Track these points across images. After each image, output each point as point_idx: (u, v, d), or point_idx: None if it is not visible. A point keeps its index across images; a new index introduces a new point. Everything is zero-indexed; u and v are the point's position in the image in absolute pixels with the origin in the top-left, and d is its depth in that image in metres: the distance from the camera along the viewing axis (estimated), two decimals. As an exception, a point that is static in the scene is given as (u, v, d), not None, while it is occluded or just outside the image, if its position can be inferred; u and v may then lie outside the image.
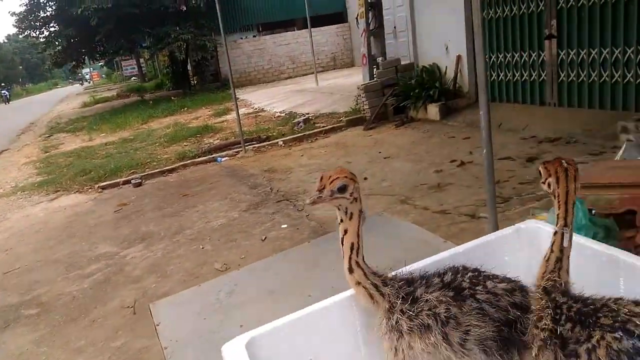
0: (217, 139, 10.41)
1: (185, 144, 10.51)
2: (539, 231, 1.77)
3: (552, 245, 1.42)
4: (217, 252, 4.73)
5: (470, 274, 1.53)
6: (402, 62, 9.88)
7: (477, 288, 1.47)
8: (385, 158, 6.94)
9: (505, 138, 6.72)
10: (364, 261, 1.55)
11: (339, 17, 21.72)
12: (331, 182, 1.50)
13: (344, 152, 7.81)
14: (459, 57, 8.74)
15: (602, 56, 6.53)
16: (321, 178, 1.52)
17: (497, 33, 8.06)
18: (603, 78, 6.59)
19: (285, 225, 5.14)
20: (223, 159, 8.58)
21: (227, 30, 9.05)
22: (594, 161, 4.79)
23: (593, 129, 6.19)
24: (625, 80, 6.30)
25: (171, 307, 3.21)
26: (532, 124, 7.00)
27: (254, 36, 22.01)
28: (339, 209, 1.54)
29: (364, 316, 1.62)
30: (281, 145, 9.01)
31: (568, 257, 1.40)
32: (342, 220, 1.55)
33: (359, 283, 1.53)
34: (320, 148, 8.38)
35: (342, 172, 1.52)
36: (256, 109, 13.59)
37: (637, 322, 1.15)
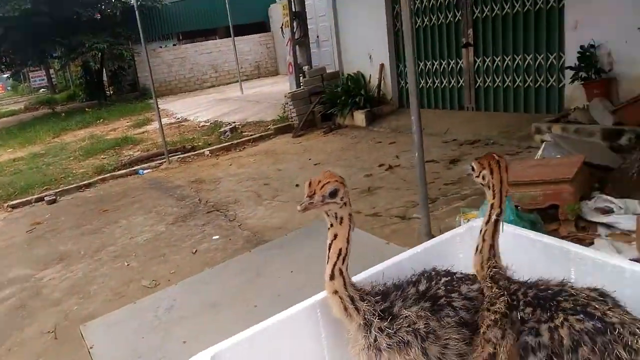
0: (138, 150, 9.95)
1: (102, 157, 9.95)
2: None
3: (483, 235, 1.48)
4: (144, 269, 4.48)
5: (443, 279, 1.52)
6: (328, 71, 10.00)
7: (452, 295, 1.47)
8: (315, 164, 6.93)
9: (428, 142, 6.89)
10: (347, 271, 1.49)
11: (261, 26, 21.64)
12: (321, 187, 1.44)
13: (273, 159, 7.73)
14: (382, 66, 8.96)
15: (515, 63, 6.95)
16: (310, 183, 1.46)
17: (418, 42, 8.35)
18: (516, 83, 7.01)
19: (217, 237, 4.97)
20: (145, 171, 8.21)
21: (146, 39, 8.71)
22: (513, 161, 5.03)
23: (509, 131, 6.54)
24: (537, 85, 6.73)
25: (105, 327, 2.99)
26: (452, 128, 7.29)
27: (174, 45, 21.41)
28: (327, 215, 1.49)
29: (328, 324, 1.57)
30: (208, 155, 8.77)
31: (498, 244, 1.47)
32: (332, 225, 1.49)
33: (336, 292, 1.47)
34: (249, 157, 8.24)
35: (332, 177, 1.47)
36: (179, 118, 13.17)
37: (596, 305, 1.21)
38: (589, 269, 1.49)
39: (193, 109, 14.05)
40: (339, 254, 1.47)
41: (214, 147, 9.01)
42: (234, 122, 10.76)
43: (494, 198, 1.51)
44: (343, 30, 9.85)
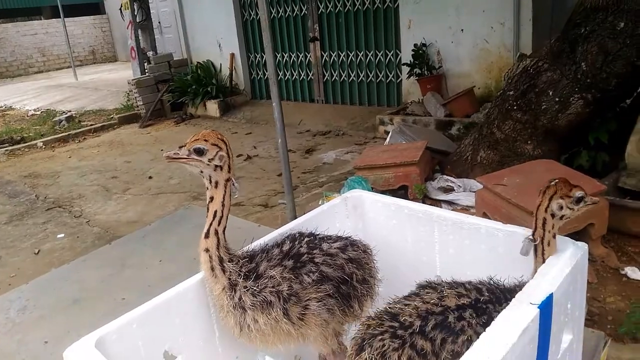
0: (-49, 143, 8.57)
1: None
2: (361, 198, 1.99)
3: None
4: (-23, 275, 3.94)
5: (306, 239, 1.62)
6: (176, 58, 9.63)
7: (314, 252, 1.58)
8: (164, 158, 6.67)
9: (283, 132, 7.13)
10: (224, 233, 1.52)
11: (94, 8, 19.93)
12: (192, 141, 1.45)
13: (121, 150, 7.26)
14: (232, 55, 8.92)
15: (358, 58, 7.46)
16: (193, 136, 1.48)
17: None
18: (360, 78, 7.52)
19: (62, 235, 4.56)
20: (-36, 166, 7.13)
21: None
22: (366, 147, 5.43)
23: (356, 122, 7.03)
24: (378, 80, 7.31)
25: None
26: (305, 119, 7.59)
27: (-11, 23, 18.71)
28: (202, 175, 1.50)
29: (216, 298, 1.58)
30: (42, 146, 7.90)
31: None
32: (208, 188, 1.51)
33: (207, 250, 1.50)
34: (91, 148, 7.62)
35: (208, 136, 1.47)
36: (1, 106, 11.61)
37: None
38: (449, 228, 1.73)
39: (19, 96, 12.49)
40: (215, 215, 1.51)
41: (49, 138, 8.15)
42: (70, 111, 9.83)
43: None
44: (188, 16, 9.57)
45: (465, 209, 3.32)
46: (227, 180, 1.52)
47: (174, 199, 5.12)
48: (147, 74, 9.21)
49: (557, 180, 1.46)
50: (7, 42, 17.54)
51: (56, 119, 9.26)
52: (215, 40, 9.14)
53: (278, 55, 8.39)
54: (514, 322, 1.17)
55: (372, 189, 3.41)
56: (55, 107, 10.61)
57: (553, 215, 1.44)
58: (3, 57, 17.53)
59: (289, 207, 3.66)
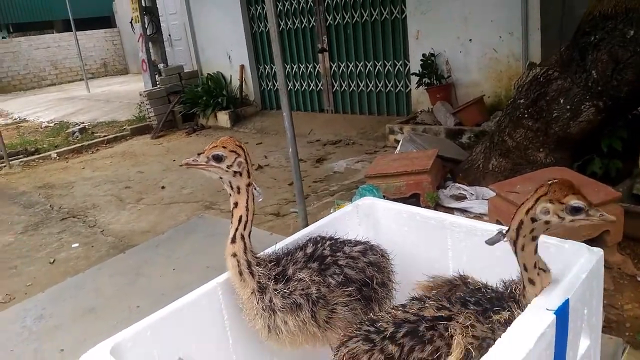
0: (-32, 155, 8.71)
1: None
2: (373, 205, 2.01)
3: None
4: (-6, 284, 4.00)
5: (328, 242, 1.66)
6: (186, 70, 9.75)
7: (337, 254, 1.60)
8: (181, 165, 6.74)
9: (293, 142, 7.19)
10: (249, 237, 1.55)
11: (106, 21, 20.24)
12: (210, 148, 1.49)
13: (133, 161, 7.34)
14: (242, 67, 9.01)
15: (367, 69, 7.51)
16: (211, 144, 1.52)
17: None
18: (369, 88, 7.58)
19: (77, 245, 4.62)
20: (-20, 178, 7.24)
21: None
22: (373, 158, 5.46)
23: (366, 132, 7.07)
24: (387, 90, 7.36)
25: None
26: (315, 129, 7.64)
27: (3, 37, 19.03)
28: (222, 182, 1.53)
29: (230, 306, 1.61)
30: (56, 157, 8.01)
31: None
32: (231, 194, 1.54)
33: (234, 255, 1.52)
34: (104, 159, 7.71)
35: (227, 143, 1.51)
36: (16, 119, 11.79)
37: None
38: (462, 235, 1.74)
39: (32, 109, 12.67)
40: (240, 220, 1.54)
41: (63, 150, 8.26)
42: (83, 122, 9.96)
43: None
44: (199, 28, 9.69)
45: (478, 217, 3.33)
46: (248, 185, 1.55)
47: (186, 208, 5.17)
48: (158, 86, 9.33)
49: (555, 180, 1.25)
50: (21, 55, 17.83)
51: (69, 130, 9.39)
52: (225, 52, 9.25)
53: (287, 66, 8.46)
54: (531, 328, 1.17)
55: (384, 197, 3.43)
56: (68, 118, 10.76)
57: (534, 220, 1.25)
58: (16, 71, 17.82)
59: (300, 215, 3.69)
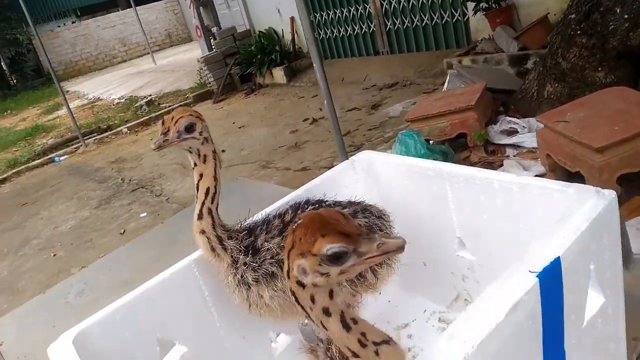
0: (51, 137, 9.38)
1: (15, 149, 9.32)
2: (371, 160, 1.86)
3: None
4: (72, 257, 4.30)
5: (311, 207, 1.53)
6: (239, 30, 9.69)
7: None
8: (240, 127, 6.81)
9: (349, 90, 6.98)
10: (217, 211, 1.48)
11: (165, -8, 20.58)
12: (175, 122, 1.38)
13: (195, 128, 7.51)
14: (292, 19, 8.79)
15: (420, 1, 7.01)
16: (163, 122, 1.40)
17: (324, -10, 8.23)
18: (424, 22, 7.09)
19: (145, 214, 4.84)
20: (62, 158, 7.77)
21: (40, 19, 8.07)
22: (421, 96, 5.16)
23: (423, 70, 6.68)
24: (443, 21, 6.85)
25: (14, 321, 2.87)
26: (370, 73, 7.35)
27: (73, 22, 19.98)
28: (190, 152, 1.44)
29: (209, 280, 1.55)
30: (126, 132, 8.40)
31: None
32: (195, 165, 1.45)
33: (203, 232, 1.45)
34: (169, 129, 7.97)
35: (185, 111, 1.41)
36: (91, 98, 12.47)
37: None
38: (461, 185, 1.55)
39: (105, 87, 13.33)
40: (207, 193, 1.45)
41: (132, 124, 8.63)
42: (150, 95, 10.32)
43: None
44: (248, -14, 9.53)
45: (531, 151, 3.02)
46: (214, 151, 1.46)
47: (244, 169, 5.22)
48: (214, 50, 9.37)
49: (299, 222, 0.87)
50: (91, 37, 18.70)
51: (138, 104, 9.78)
52: (274, 6, 9.04)
53: (337, 11, 8.14)
54: (503, 296, 0.97)
55: (427, 142, 3.20)
56: (137, 93, 11.19)
57: (302, 284, 0.87)
58: (89, 52, 18.75)
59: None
